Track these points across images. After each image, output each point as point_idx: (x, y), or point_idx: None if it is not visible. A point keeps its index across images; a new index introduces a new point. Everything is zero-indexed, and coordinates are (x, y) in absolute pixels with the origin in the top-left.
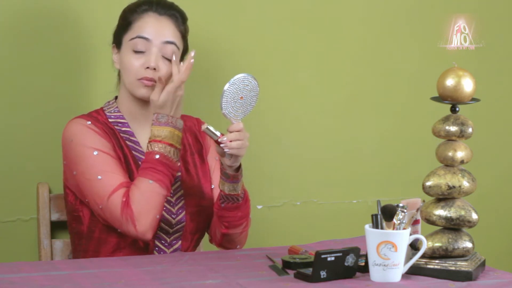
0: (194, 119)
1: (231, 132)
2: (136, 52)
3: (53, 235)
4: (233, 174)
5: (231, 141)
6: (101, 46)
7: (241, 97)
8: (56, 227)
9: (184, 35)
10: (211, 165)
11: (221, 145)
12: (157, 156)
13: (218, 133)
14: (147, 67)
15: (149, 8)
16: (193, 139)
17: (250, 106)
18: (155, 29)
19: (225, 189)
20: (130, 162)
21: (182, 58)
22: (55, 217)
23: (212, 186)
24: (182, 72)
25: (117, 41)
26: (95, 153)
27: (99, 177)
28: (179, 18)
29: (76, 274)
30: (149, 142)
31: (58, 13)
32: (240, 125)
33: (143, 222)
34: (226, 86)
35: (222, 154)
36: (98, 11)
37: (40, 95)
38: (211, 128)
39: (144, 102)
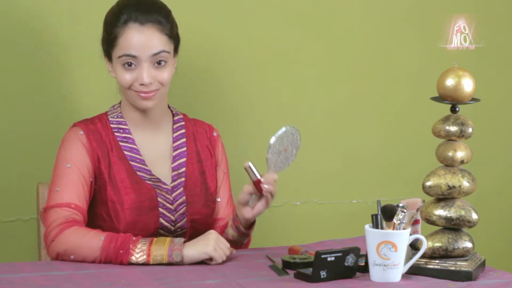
0: (206, 126)
1: (267, 179)
2: (127, 67)
3: None
4: (244, 232)
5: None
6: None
7: (285, 150)
8: None
9: (171, 34)
10: (219, 176)
11: (261, 185)
12: (134, 238)
13: (258, 175)
14: (141, 83)
15: (128, 18)
16: (202, 146)
17: (293, 156)
18: (140, 44)
19: (230, 235)
20: (125, 172)
21: (176, 49)
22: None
23: (218, 199)
24: None
25: (107, 53)
26: (68, 165)
27: (57, 188)
28: (163, 20)
29: (76, 274)
30: (151, 242)
31: (57, 13)
32: (275, 176)
33: (57, 249)
34: (272, 141)
35: (245, 202)
36: (101, 13)
37: (40, 96)
38: (253, 168)
39: (142, 109)
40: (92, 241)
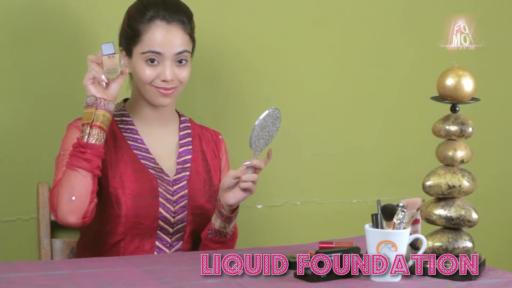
0: (211, 131)
1: (254, 166)
2: (150, 63)
3: (53, 235)
4: (227, 215)
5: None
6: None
7: (267, 130)
8: (56, 227)
9: (192, 35)
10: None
11: (245, 163)
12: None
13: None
14: (163, 80)
15: (155, 15)
16: (208, 147)
17: (272, 138)
18: (165, 41)
19: (216, 224)
20: (128, 160)
21: (192, 53)
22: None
23: (219, 198)
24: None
25: (127, 48)
26: (62, 153)
27: (54, 177)
28: (186, 21)
29: (76, 273)
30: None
31: (59, 12)
32: (262, 164)
33: (59, 208)
34: (257, 122)
35: (228, 186)
36: (100, 10)
37: (40, 95)
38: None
39: (156, 106)
40: (68, 176)
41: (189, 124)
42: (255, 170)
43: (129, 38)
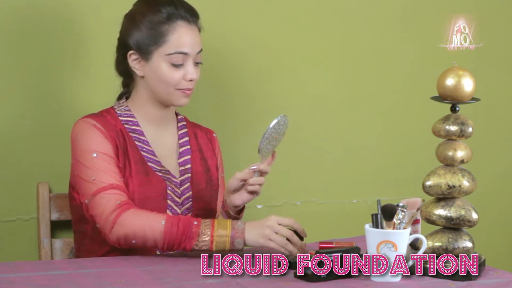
0: (205, 129)
1: (260, 170)
2: (176, 66)
3: (53, 235)
4: (234, 216)
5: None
6: (103, 46)
7: (276, 136)
8: (56, 227)
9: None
10: (219, 180)
11: (252, 167)
12: (195, 223)
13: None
14: (190, 80)
15: (178, 16)
16: (205, 145)
17: (278, 142)
18: (191, 42)
19: None
20: (137, 162)
21: None
22: (55, 216)
23: (225, 199)
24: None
25: (144, 51)
26: (94, 155)
27: (92, 178)
28: (198, 20)
29: (76, 273)
30: (212, 223)
31: (60, 13)
32: (269, 169)
33: (117, 235)
34: (271, 125)
35: (235, 189)
36: (101, 10)
37: (41, 95)
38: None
39: (166, 106)
40: (152, 225)
41: (185, 123)
42: (261, 173)
43: (150, 40)
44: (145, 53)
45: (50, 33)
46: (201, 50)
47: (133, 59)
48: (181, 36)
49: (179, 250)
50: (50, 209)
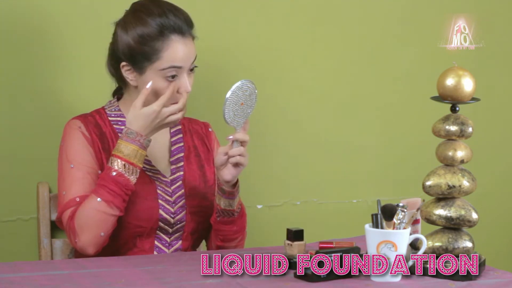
0: (201, 123)
1: (237, 139)
2: (170, 79)
3: (53, 235)
4: (229, 191)
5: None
6: (101, 47)
7: (242, 103)
8: (56, 227)
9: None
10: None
11: (228, 137)
12: (114, 174)
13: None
14: (186, 92)
15: (171, 31)
16: (199, 141)
17: (250, 109)
18: (185, 55)
19: (221, 204)
20: None
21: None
22: (55, 216)
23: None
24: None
25: (137, 66)
26: (71, 166)
27: (63, 192)
28: (192, 29)
29: (76, 273)
30: (112, 155)
31: (59, 12)
32: (246, 137)
33: (83, 238)
34: (228, 95)
35: (222, 163)
36: (100, 10)
37: (40, 95)
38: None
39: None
40: (99, 209)
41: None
42: (241, 143)
43: (143, 56)
44: (138, 68)
45: (51, 32)
46: (195, 58)
47: (126, 70)
48: (175, 51)
49: (127, 192)
50: (50, 209)
